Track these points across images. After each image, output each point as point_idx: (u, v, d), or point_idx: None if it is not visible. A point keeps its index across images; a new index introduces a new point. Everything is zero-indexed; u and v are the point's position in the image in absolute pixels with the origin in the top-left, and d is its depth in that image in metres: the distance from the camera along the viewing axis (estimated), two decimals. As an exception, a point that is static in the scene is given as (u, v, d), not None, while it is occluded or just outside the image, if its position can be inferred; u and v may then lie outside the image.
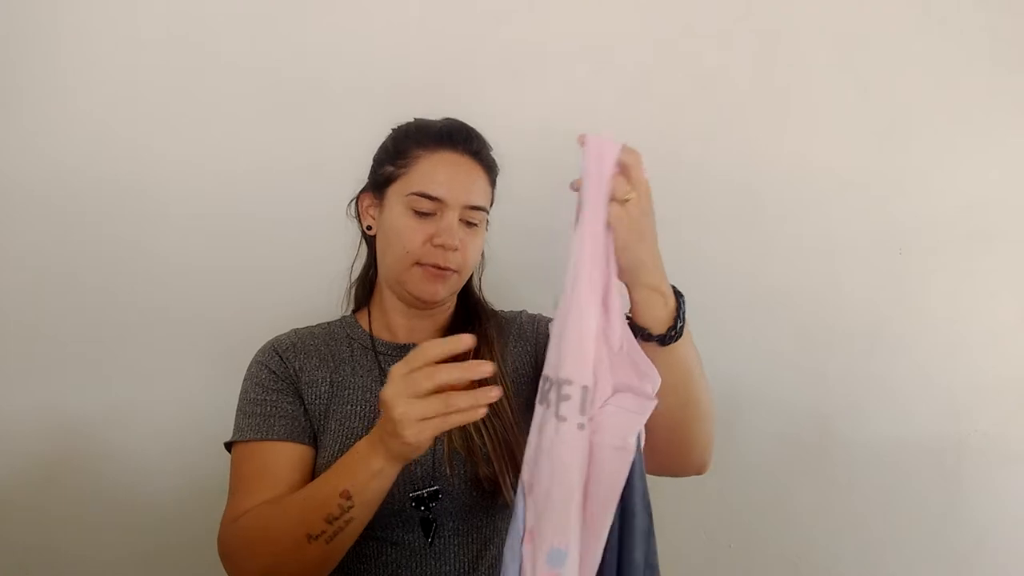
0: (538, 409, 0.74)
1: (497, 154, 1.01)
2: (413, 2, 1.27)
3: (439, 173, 0.94)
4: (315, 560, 0.78)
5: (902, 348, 1.37)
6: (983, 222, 1.38)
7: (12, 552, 1.23)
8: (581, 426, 0.71)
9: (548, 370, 0.74)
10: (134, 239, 1.24)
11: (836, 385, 1.37)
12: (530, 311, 1.07)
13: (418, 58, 1.26)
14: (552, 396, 0.72)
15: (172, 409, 1.25)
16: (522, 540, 0.73)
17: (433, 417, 0.69)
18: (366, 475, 0.75)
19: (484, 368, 0.70)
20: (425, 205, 0.93)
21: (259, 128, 1.25)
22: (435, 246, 0.92)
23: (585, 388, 0.71)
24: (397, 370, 0.71)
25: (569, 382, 0.71)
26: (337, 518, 0.76)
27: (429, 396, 0.69)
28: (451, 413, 0.69)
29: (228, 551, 0.84)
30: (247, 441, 0.90)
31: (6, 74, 1.21)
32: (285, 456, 0.89)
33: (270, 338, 1.01)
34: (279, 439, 0.90)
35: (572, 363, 0.72)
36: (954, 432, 1.38)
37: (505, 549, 0.75)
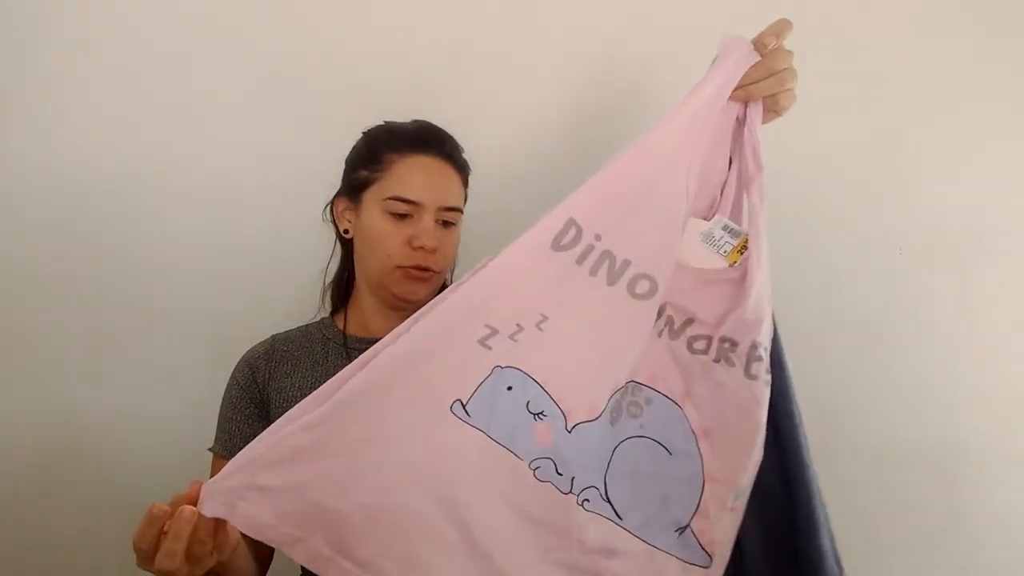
0: (704, 361, 0.72)
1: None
2: (404, 8, 1.27)
3: (414, 176, 0.96)
4: None
5: (901, 348, 1.37)
6: (983, 222, 1.37)
7: (12, 552, 1.23)
8: (767, 383, 0.72)
9: (725, 330, 0.73)
10: (135, 239, 1.24)
11: (835, 385, 1.36)
12: None
13: (408, 66, 1.26)
14: (737, 355, 0.72)
15: (173, 409, 1.25)
16: (703, 482, 0.70)
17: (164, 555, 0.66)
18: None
19: (156, 509, 0.66)
20: (402, 208, 0.95)
21: (257, 127, 1.25)
22: (414, 248, 0.94)
23: (767, 349, 0.72)
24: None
25: (758, 344, 0.72)
26: None
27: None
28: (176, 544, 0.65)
29: None
30: (217, 453, 0.98)
31: (2, 73, 1.21)
32: None
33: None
34: None
35: (765, 327, 0.73)
36: (954, 433, 1.38)
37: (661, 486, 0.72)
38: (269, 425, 0.93)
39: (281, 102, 1.25)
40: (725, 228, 0.77)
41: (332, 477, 0.65)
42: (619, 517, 0.69)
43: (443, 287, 1.06)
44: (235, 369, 1.02)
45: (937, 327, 1.37)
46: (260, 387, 0.98)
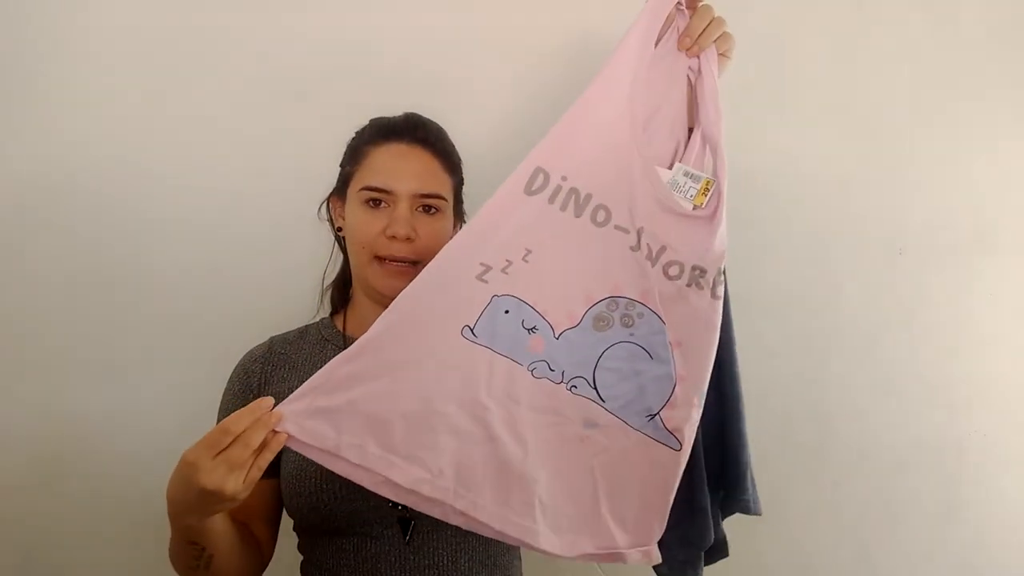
0: (679, 286, 0.85)
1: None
2: (403, 7, 1.27)
3: (385, 164, 0.96)
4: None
5: (902, 348, 1.37)
6: (983, 222, 1.37)
7: (11, 553, 1.23)
8: (721, 296, 0.87)
9: (697, 260, 0.85)
10: (133, 240, 1.24)
11: (836, 386, 1.37)
12: None
13: (410, 65, 1.26)
14: (706, 280, 0.86)
15: (173, 410, 1.25)
16: (675, 382, 0.86)
17: (240, 465, 0.73)
18: (194, 531, 0.81)
19: (265, 403, 0.76)
20: (374, 196, 0.95)
21: (253, 128, 1.25)
22: (387, 237, 0.93)
23: (720, 271, 0.86)
24: (195, 447, 0.75)
25: (722, 269, 0.87)
26: (200, 556, 0.84)
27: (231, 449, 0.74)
28: (253, 455, 0.74)
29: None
30: None
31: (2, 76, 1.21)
32: None
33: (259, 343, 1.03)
34: None
35: (717, 253, 0.86)
36: (953, 433, 1.38)
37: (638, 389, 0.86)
38: None
39: (281, 104, 1.25)
40: (686, 174, 0.88)
41: (376, 394, 0.81)
42: (602, 400, 0.85)
43: None
44: (232, 373, 1.01)
45: (937, 327, 1.37)
46: (255, 392, 0.97)
